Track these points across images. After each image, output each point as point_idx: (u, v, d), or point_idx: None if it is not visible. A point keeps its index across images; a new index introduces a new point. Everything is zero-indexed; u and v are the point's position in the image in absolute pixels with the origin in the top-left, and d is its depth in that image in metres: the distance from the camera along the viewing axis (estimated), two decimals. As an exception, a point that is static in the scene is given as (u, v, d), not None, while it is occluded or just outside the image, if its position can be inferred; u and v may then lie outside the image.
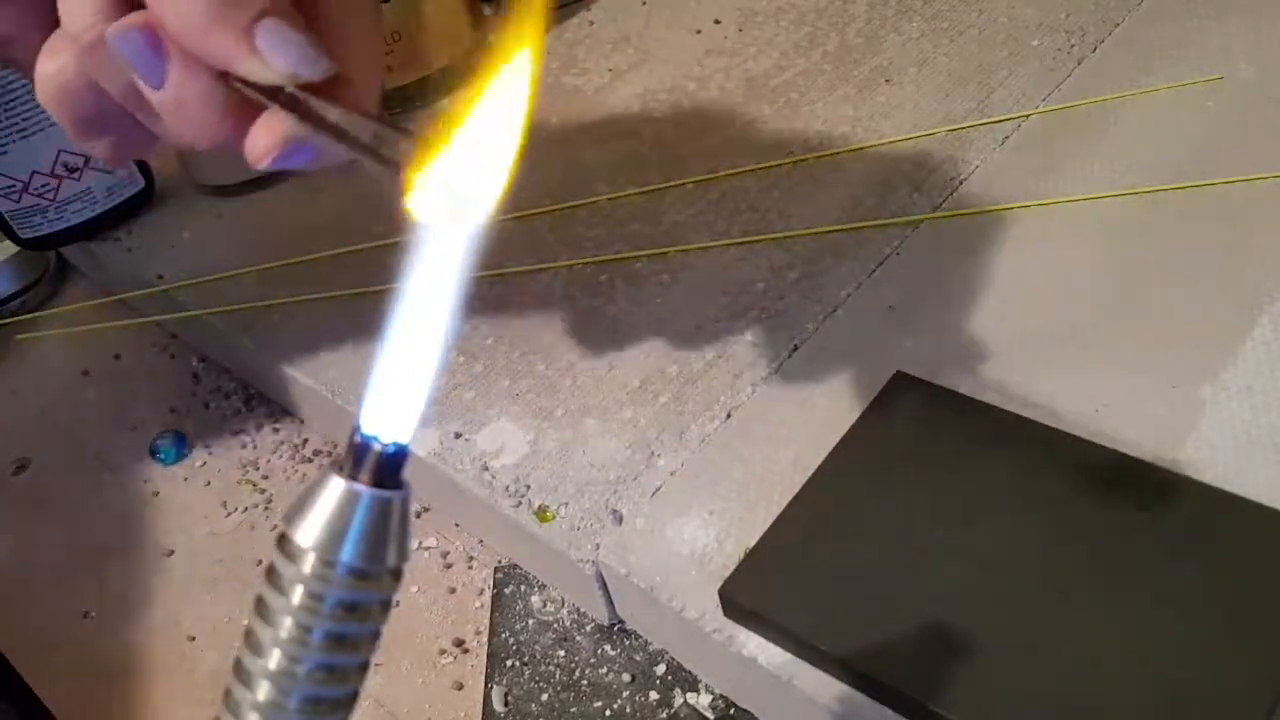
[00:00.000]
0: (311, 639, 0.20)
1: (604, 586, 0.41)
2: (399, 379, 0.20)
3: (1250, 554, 0.34)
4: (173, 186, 0.63)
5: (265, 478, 0.52)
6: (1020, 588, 0.35)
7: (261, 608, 0.21)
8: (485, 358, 0.49)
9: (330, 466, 0.21)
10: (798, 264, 0.50)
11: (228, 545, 0.50)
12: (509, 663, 0.42)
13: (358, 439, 0.20)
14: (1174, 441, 0.39)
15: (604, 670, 0.42)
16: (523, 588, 0.45)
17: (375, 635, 0.21)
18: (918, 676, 0.33)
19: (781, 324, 0.47)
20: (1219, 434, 0.39)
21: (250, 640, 0.21)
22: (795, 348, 0.46)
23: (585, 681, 0.41)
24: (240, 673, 0.21)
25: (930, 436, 0.40)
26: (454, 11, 0.66)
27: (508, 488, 0.44)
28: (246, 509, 0.51)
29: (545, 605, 0.44)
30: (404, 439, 0.21)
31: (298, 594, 0.20)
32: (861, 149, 0.55)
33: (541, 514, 0.42)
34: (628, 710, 0.40)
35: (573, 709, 0.41)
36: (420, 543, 0.48)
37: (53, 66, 0.30)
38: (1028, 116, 0.54)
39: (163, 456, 0.54)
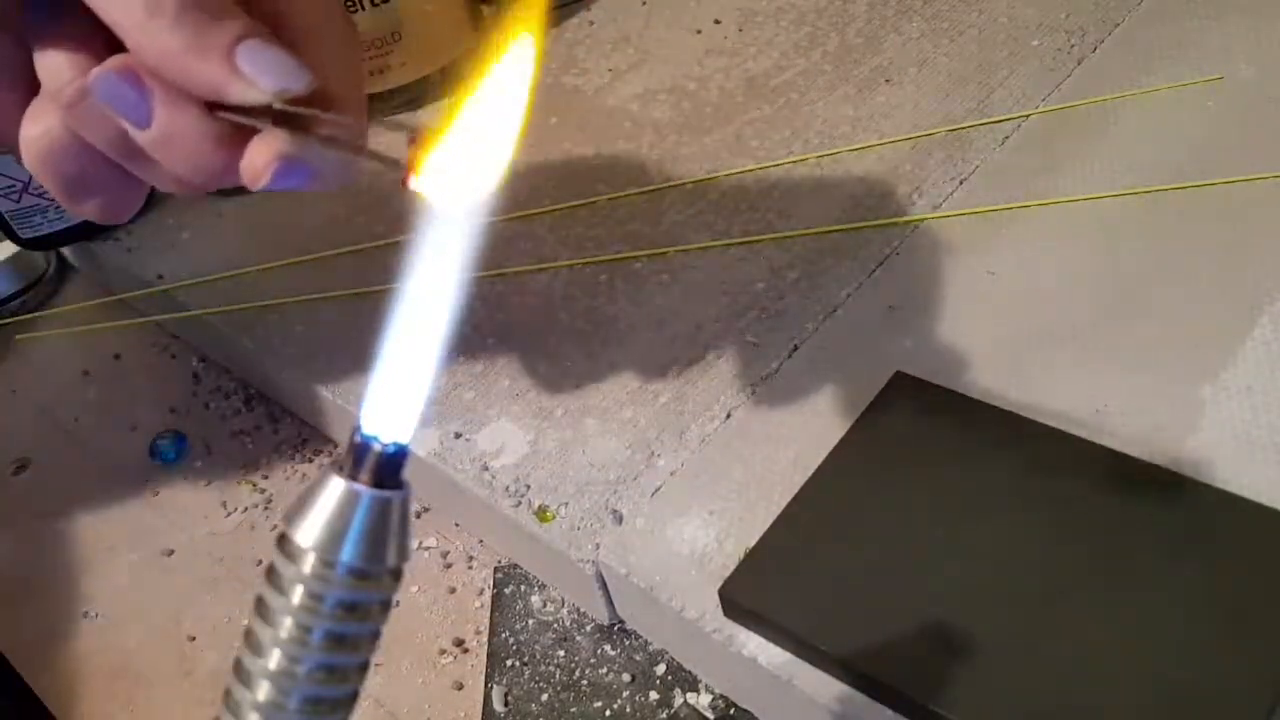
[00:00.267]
0: (311, 639, 0.20)
1: (604, 586, 0.41)
2: (399, 379, 0.20)
3: (1250, 554, 0.34)
4: (173, 186, 0.63)
5: (265, 478, 0.52)
6: (1020, 588, 0.35)
7: (261, 608, 0.21)
8: (485, 358, 0.49)
9: (330, 466, 0.21)
10: (798, 264, 0.50)
11: (228, 545, 0.50)
12: (509, 663, 0.42)
13: (358, 439, 0.20)
14: (1174, 441, 0.39)
15: (604, 670, 0.42)
16: (523, 588, 0.45)
17: (375, 635, 0.21)
18: (918, 676, 0.33)
19: (781, 324, 0.47)
20: (1219, 434, 0.39)
21: (250, 640, 0.21)
22: (795, 348, 0.46)
23: (585, 681, 0.41)
24: (240, 673, 0.21)
25: (930, 436, 0.40)
26: (454, 11, 0.66)
27: (508, 488, 0.44)
28: (246, 509, 0.51)
29: (545, 605, 0.44)
30: (404, 439, 0.21)
31: (298, 594, 0.20)
32: (861, 149, 0.55)
33: (541, 514, 0.42)
34: (628, 710, 0.40)
35: (573, 709, 0.41)
36: (420, 543, 0.48)
37: (37, 129, 0.30)
38: (1028, 116, 0.54)
39: (163, 456, 0.54)
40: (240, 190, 0.62)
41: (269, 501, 0.51)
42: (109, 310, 0.62)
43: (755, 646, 0.36)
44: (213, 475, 0.53)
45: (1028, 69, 0.57)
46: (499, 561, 0.46)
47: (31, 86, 0.29)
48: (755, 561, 0.38)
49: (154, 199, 0.63)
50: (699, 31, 0.66)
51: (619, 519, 0.41)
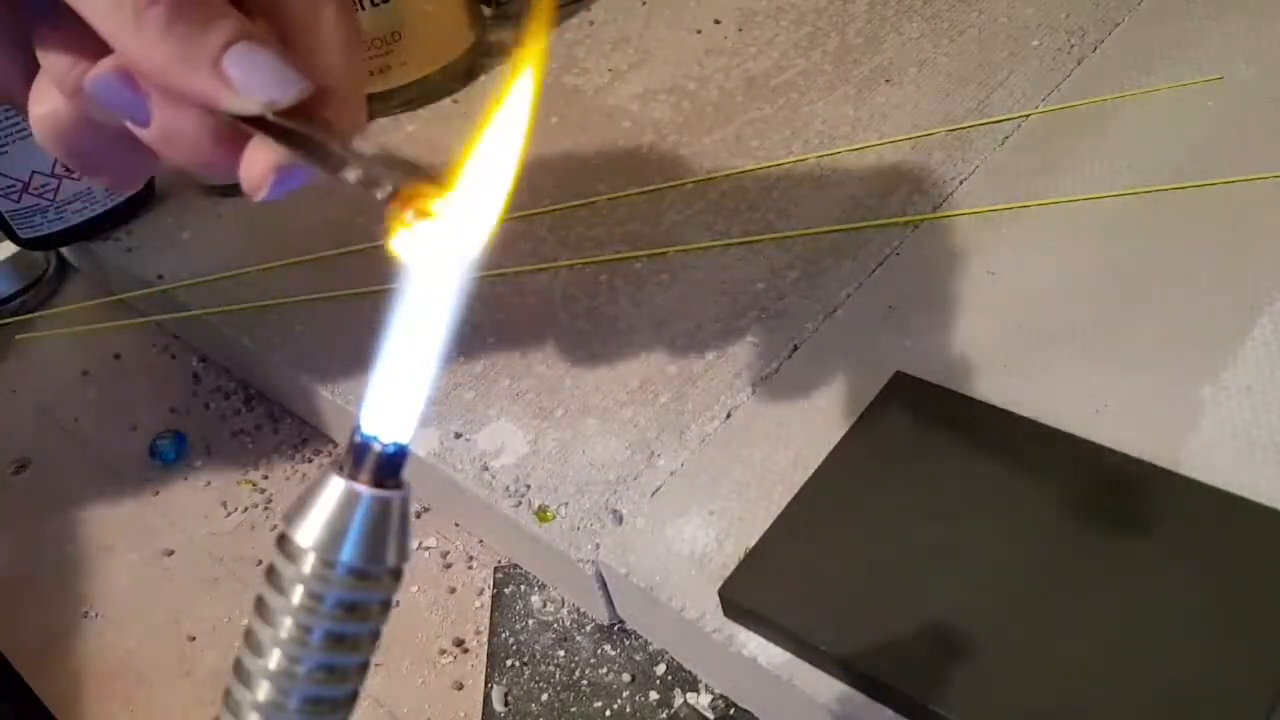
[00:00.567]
0: (311, 639, 0.20)
1: (604, 586, 0.41)
2: (399, 379, 0.20)
3: (1250, 554, 0.34)
4: (173, 186, 0.63)
5: (265, 478, 0.52)
6: (1020, 588, 0.35)
7: (261, 608, 0.21)
8: (485, 358, 0.49)
9: (330, 466, 0.21)
10: (798, 264, 0.50)
11: (228, 545, 0.50)
12: (509, 663, 0.42)
13: (358, 439, 0.20)
14: (1174, 441, 0.39)
15: (604, 670, 0.42)
16: (523, 588, 0.45)
17: (375, 635, 0.21)
18: (918, 676, 0.33)
19: (781, 324, 0.47)
20: (1219, 434, 0.39)
21: (250, 640, 0.21)
22: (795, 348, 0.46)
23: (585, 681, 0.41)
24: (240, 673, 0.21)
25: (930, 436, 0.40)
26: (454, 11, 0.66)
27: (508, 488, 0.44)
28: (246, 509, 0.51)
29: (545, 605, 0.44)
30: (404, 439, 0.21)
31: (298, 594, 0.20)
32: (861, 149, 0.55)
33: (541, 514, 0.42)
34: (628, 710, 0.40)
35: (573, 709, 0.41)
36: (420, 543, 0.48)
37: (44, 109, 0.30)
38: (1028, 116, 0.54)
39: (163, 456, 0.54)
40: (240, 190, 0.62)
41: (269, 501, 0.51)
42: (109, 310, 0.62)
43: (755, 646, 0.36)
44: (213, 475, 0.53)
45: (1028, 69, 0.57)
46: (499, 561, 0.46)
47: (33, 56, 0.29)
48: (755, 561, 0.38)
49: (154, 199, 0.63)
50: (699, 31, 0.66)
51: (619, 519, 0.41)
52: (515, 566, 0.46)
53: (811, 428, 0.42)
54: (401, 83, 0.64)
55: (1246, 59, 0.54)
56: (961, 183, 0.52)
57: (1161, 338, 0.42)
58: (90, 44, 0.28)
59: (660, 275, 0.51)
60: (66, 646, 0.47)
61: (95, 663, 0.47)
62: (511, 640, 0.43)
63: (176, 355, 0.60)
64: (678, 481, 0.42)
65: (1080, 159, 0.51)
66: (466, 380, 0.48)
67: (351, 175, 0.23)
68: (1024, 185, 0.50)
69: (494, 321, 0.50)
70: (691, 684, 0.41)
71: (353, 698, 0.22)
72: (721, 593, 0.37)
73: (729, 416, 0.44)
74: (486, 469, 0.44)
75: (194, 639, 0.47)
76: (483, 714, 0.41)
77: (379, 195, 0.21)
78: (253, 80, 0.26)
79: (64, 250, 0.65)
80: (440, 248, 0.20)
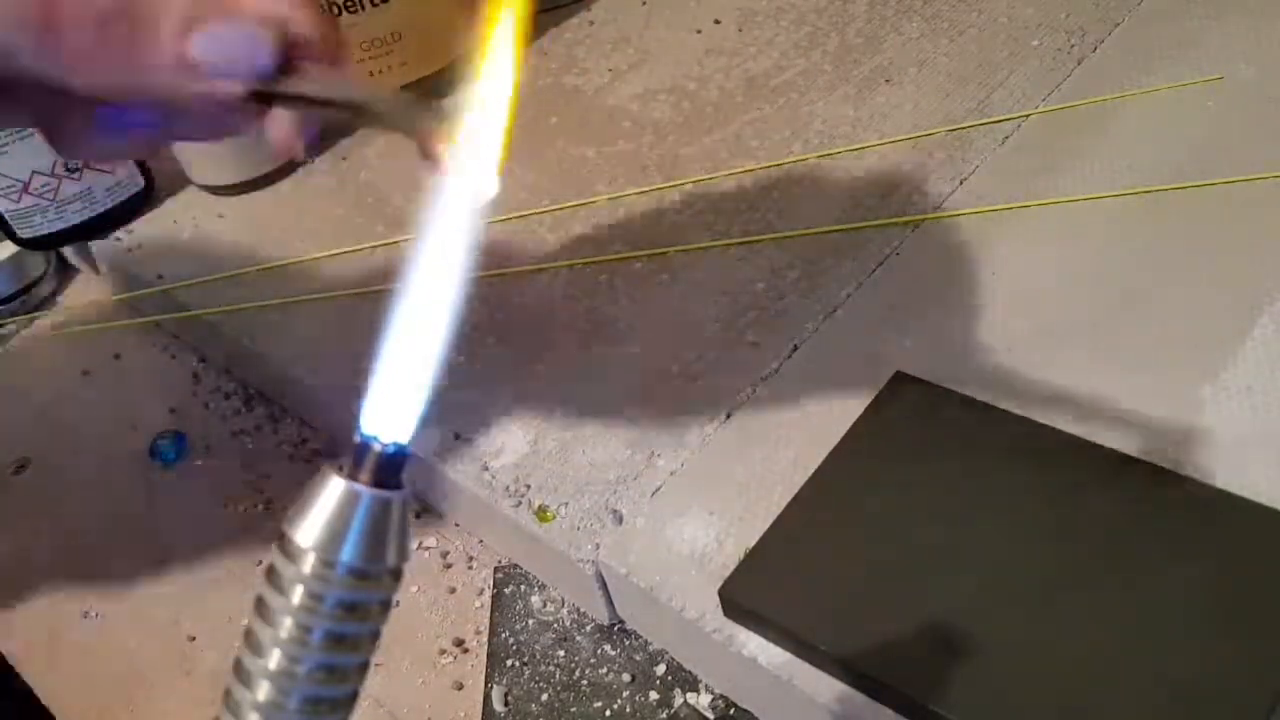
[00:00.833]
0: (311, 639, 0.20)
1: (604, 586, 0.41)
2: (399, 379, 0.20)
3: (1250, 554, 0.34)
4: (173, 186, 0.63)
5: (265, 478, 0.52)
6: (1020, 588, 0.35)
7: (261, 608, 0.21)
8: (485, 358, 0.49)
9: (330, 466, 0.21)
10: (798, 264, 0.50)
11: (228, 545, 0.50)
12: (509, 663, 0.42)
13: (358, 439, 0.20)
14: (1174, 441, 0.39)
15: (604, 670, 0.42)
16: (523, 588, 0.45)
17: (375, 635, 0.21)
18: (918, 676, 0.33)
19: (781, 324, 0.47)
20: (1219, 434, 0.39)
21: (250, 640, 0.21)
22: (795, 348, 0.46)
23: (585, 681, 0.41)
24: (240, 673, 0.21)
25: (930, 436, 0.40)
26: (454, 11, 0.65)
27: (508, 488, 0.43)
28: (246, 509, 0.51)
29: (545, 605, 0.44)
30: (404, 439, 0.21)
31: (298, 594, 0.20)
32: (861, 149, 0.55)
33: (541, 514, 0.42)
34: (628, 710, 0.40)
35: (573, 709, 0.41)
36: (420, 543, 0.48)
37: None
38: (1028, 116, 0.54)
39: (163, 456, 0.54)
40: (240, 190, 0.62)
41: (269, 501, 0.51)
42: (109, 310, 0.62)
43: (755, 646, 0.36)
44: (213, 475, 0.53)
45: (1028, 69, 0.57)
46: (499, 561, 0.46)
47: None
48: (755, 561, 0.38)
49: (154, 199, 0.63)
50: (699, 31, 0.66)
51: (619, 519, 0.41)
52: (515, 566, 0.46)
53: (811, 428, 0.42)
54: (401, 83, 0.64)
55: (1246, 59, 0.54)
56: (962, 183, 0.52)
57: (1161, 338, 0.42)
58: None
59: (660, 275, 0.51)
60: (66, 646, 0.47)
61: (95, 663, 0.47)
62: (511, 640, 0.43)
63: (176, 355, 0.60)
64: (678, 481, 0.42)
65: (1080, 159, 0.51)
66: (466, 380, 0.48)
67: (357, 96, 0.23)
68: (1024, 185, 0.50)
69: (494, 321, 0.50)
70: (691, 684, 0.41)
71: (353, 698, 0.22)
72: (721, 593, 0.37)
73: (729, 416, 0.44)
74: (486, 469, 0.44)
75: (194, 639, 0.47)
76: (483, 714, 0.41)
77: (407, 134, 0.22)
78: (223, 61, 0.25)
79: (64, 250, 0.65)
80: (464, 178, 0.20)
